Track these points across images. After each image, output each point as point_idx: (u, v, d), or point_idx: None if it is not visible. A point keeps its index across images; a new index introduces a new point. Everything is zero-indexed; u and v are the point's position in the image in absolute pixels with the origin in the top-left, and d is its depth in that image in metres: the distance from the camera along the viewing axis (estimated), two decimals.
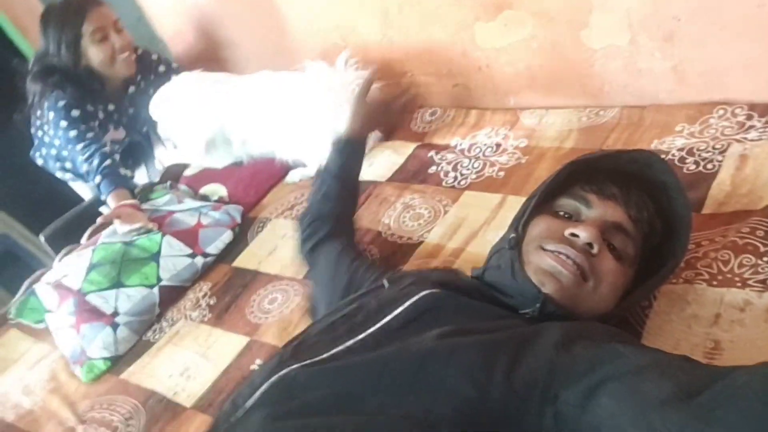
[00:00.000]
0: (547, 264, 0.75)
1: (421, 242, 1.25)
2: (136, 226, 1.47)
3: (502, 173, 1.33)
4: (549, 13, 1.31)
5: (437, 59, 1.59)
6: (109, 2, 1.71)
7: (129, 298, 1.36)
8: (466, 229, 1.22)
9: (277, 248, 1.45)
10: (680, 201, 0.82)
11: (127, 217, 1.49)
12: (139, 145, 2.05)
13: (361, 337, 0.72)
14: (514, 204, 1.22)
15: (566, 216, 0.82)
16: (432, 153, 1.50)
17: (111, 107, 1.74)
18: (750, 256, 0.87)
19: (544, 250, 0.77)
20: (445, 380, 0.61)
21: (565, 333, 0.63)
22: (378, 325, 0.73)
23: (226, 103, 1.61)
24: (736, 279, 0.86)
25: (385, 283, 0.85)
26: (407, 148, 1.57)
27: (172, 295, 1.41)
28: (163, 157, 2.14)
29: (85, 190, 2.00)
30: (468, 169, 1.39)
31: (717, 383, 0.49)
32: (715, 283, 0.87)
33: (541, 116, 1.43)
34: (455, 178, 1.38)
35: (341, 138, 1.20)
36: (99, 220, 1.55)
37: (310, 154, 1.60)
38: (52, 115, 1.61)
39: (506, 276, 0.78)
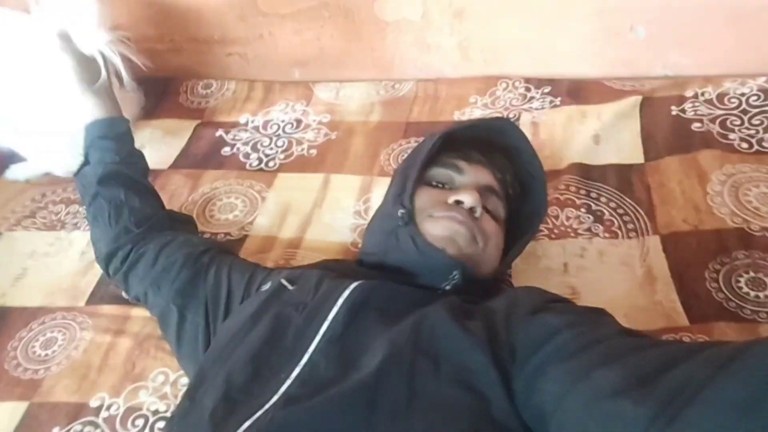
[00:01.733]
0: (443, 227, 0.74)
1: (246, 236, 1.07)
2: None
3: (313, 151, 1.24)
4: None
5: (208, 23, 1.37)
6: None
7: None
8: (295, 215, 1.10)
9: (28, 271, 1.06)
10: (534, 163, 0.89)
11: None
12: None
13: (305, 359, 0.58)
14: (341, 183, 1.16)
15: (441, 185, 0.82)
16: (221, 132, 1.30)
17: None
18: (571, 209, 1.01)
19: (430, 217, 0.76)
20: (442, 394, 0.53)
21: (506, 308, 0.61)
22: (318, 338, 0.60)
23: None
24: (570, 231, 0.98)
25: (286, 284, 0.70)
26: (185, 128, 1.33)
27: None
28: None
29: None
30: (272, 149, 1.25)
31: (669, 374, 0.45)
32: (554, 236, 0.98)
33: (337, 89, 1.38)
34: (260, 159, 1.23)
35: (96, 120, 0.95)
36: None
37: (25, 141, 1.21)
38: None
39: (411, 253, 0.74)
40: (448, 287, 0.74)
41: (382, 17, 1.30)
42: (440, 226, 0.74)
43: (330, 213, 1.09)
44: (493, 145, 0.88)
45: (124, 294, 0.93)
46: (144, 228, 0.89)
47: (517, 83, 1.29)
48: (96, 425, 0.82)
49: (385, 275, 0.75)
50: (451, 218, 0.74)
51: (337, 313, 0.62)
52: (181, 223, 0.97)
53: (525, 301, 0.63)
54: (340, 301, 0.63)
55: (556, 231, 0.99)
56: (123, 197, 0.90)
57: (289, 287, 0.70)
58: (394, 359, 0.55)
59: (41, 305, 1.00)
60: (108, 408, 0.84)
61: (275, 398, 0.54)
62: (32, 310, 0.99)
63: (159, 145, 1.29)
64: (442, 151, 0.85)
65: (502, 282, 0.90)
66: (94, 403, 0.85)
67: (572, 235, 0.98)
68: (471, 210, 0.76)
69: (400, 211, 0.76)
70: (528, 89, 1.27)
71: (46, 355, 0.92)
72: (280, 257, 1.02)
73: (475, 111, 1.26)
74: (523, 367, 0.54)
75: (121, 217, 0.89)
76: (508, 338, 0.57)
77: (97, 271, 1.01)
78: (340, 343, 0.60)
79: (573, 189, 1.04)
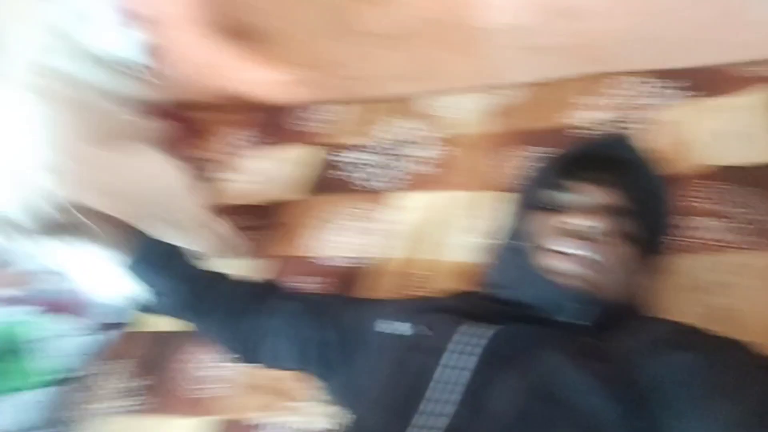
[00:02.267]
0: (556, 266, 0.73)
1: (364, 258, 1.14)
2: None
3: (427, 169, 1.27)
4: None
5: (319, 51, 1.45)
6: None
7: (14, 409, 1.04)
8: (410, 235, 1.15)
9: None
10: (654, 177, 0.85)
11: None
12: None
13: (443, 409, 0.61)
14: (455, 200, 1.18)
15: (557, 208, 0.80)
16: (337, 155, 1.38)
17: None
18: (705, 218, 0.96)
19: (547, 250, 0.75)
20: None
21: (639, 345, 0.62)
22: (454, 389, 0.62)
23: None
24: (704, 243, 0.94)
25: (427, 330, 0.73)
26: (309, 155, 1.42)
27: (73, 390, 1.10)
28: None
29: None
30: (387, 169, 1.30)
31: None
32: (686, 249, 0.94)
33: (446, 103, 1.40)
34: (376, 181, 1.29)
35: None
36: None
37: None
38: None
39: (529, 287, 0.75)
40: (569, 316, 0.72)
41: (482, 26, 1.29)
42: (553, 264, 0.73)
43: (444, 232, 1.13)
44: (611, 161, 0.85)
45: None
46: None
47: (633, 79, 1.23)
48: None
49: (515, 312, 0.75)
50: (564, 255, 0.73)
51: (477, 364, 0.64)
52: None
53: (653, 336, 0.62)
54: (479, 350, 0.65)
55: (688, 243, 0.94)
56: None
57: (428, 333, 0.73)
58: (527, 410, 0.58)
59: None
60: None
61: None
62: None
63: (278, 173, 1.39)
64: (557, 173, 0.84)
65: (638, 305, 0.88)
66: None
67: (707, 247, 0.93)
68: (590, 232, 0.74)
69: (518, 243, 0.77)
70: (644, 83, 1.21)
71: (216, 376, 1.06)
72: (399, 279, 1.08)
73: (587, 113, 1.22)
74: (652, 404, 0.55)
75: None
76: (635, 376, 0.58)
77: None
78: (477, 393, 0.62)
79: (705, 195, 0.99)
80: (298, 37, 1.41)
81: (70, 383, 1.10)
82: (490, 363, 0.64)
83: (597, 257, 0.73)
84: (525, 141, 1.22)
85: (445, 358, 0.67)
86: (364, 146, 1.37)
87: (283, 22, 1.39)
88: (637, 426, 0.55)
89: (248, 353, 0.88)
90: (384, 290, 1.07)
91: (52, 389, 1.08)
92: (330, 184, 1.32)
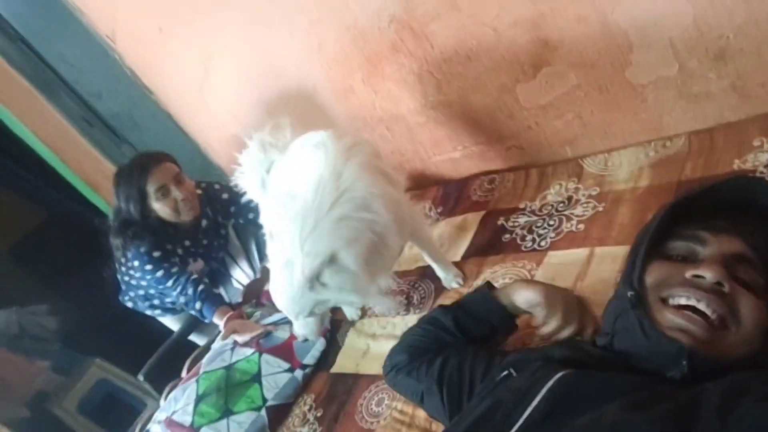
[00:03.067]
0: (673, 323, 0.70)
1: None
2: (257, 332, 1.56)
3: (581, 225, 1.30)
4: (589, 61, 1.32)
5: (487, 126, 1.62)
6: (169, 147, 1.86)
7: (240, 426, 1.37)
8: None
9: (370, 347, 1.44)
10: None
11: (242, 327, 1.62)
12: (217, 270, 2.14)
13: None
14: (603, 255, 1.18)
15: (680, 258, 0.76)
16: (501, 220, 1.49)
17: (187, 243, 1.84)
18: None
19: (667, 304, 0.72)
20: None
21: (724, 394, 0.57)
22: (520, 422, 0.68)
23: None
24: None
25: (512, 371, 0.81)
26: (473, 221, 1.56)
27: (278, 415, 1.41)
28: (240, 277, 2.21)
29: (173, 323, 2.08)
30: (545, 229, 1.36)
31: None
32: None
33: (605, 160, 1.41)
34: (534, 240, 1.36)
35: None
36: (218, 339, 1.63)
37: None
38: (137, 263, 1.72)
39: (639, 338, 0.72)
40: (676, 376, 0.69)
41: (637, 81, 1.30)
42: (671, 319, 0.70)
43: (590, 287, 1.13)
44: (743, 207, 0.79)
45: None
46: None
47: None
48: None
49: (612, 358, 0.76)
50: (684, 314, 0.69)
51: (539, 402, 0.69)
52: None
53: (759, 387, 0.58)
54: (544, 390, 0.70)
55: None
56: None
57: (513, 374, 0.80)
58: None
59: (377, 372, 1.33)
60: None
61: None
62: (372, 376, 1.34)
63: (454, 239, 1.55)
64: (681, 222, 0.80)
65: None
66: None
67: None
68: (717, 285, 0.69)
69: (629, 293, 0.75)
70: None
71: (377, 411, 1.24)
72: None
73: (760, 156, 1.11)
74: None
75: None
76: (718, 425, 0.56)
77: None
78: (537, 429, 0.66)
79: None
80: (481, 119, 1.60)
81: (276, 409, 1.40)
82: (553, 402, 0.68)
83: (723, 312, 0.69)
84: (678, 192, 1.17)
85: (517, 394, 0.73)
86: (535, 210, 1.45)
87: (460, 108, 1.61)
88: None
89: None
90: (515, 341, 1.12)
91: (264, 413, 1.39)
92: (502, 246, 1.41)
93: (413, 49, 1.53)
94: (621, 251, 1.15)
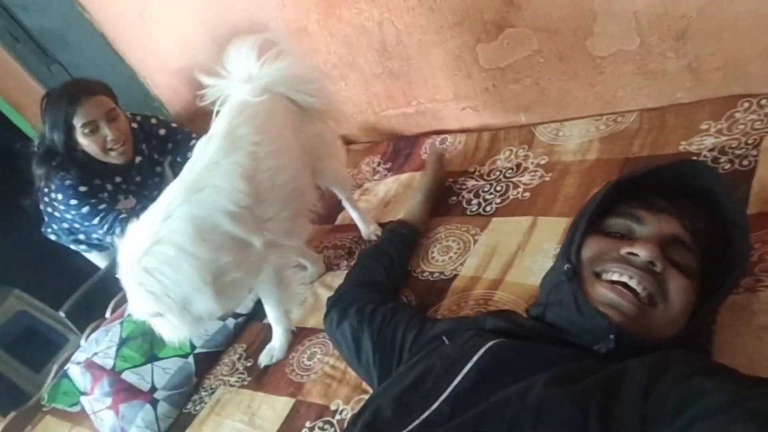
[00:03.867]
0: (605, 297, 0.71)
1: (455, 276, 1.21)
2: None
3: (527, 194, 1.30)
4: (552, 26, 1.29)
5: (442, 84, 1.57)
6: (103, 72, 1.71)
7: (165, 371, 1.32)
8: (500, 257, 1.19)
9: (307, 300, 1.41)
10: (732, 207, 0.78)
11: None
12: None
13: (435, 406, 0.68)
14: (546, 225, 1.19)
15: (618, 235, 0.78)
16: (449, 182, 1.47)
17: (118, 179, 1.72)
18: None
19: (600, 279, 0.73)
20: None
21: (648, 373, 0.58)
22: (450, 389, 0.69)
23: None
24: None
25: (444, 339, 0.81)
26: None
27: (207, 363, 1.37)
28: None
29: (99, 260, 1.97)
30: (491, 194, 1.36)
31: None
32: None
33: (557, 130, 1.40)
34: (479, 204, 1.35)
35: (407, 224, 1.31)
36: None
37: None
38: (60, 196, 1.59)
39: (571, 312, 0.73)
40: (602, 350, 0.71)
41: (596, 53, 1.29)
42: (603, 294, 0.71)
43: (531, 256, 1.14)
44: (686, 190, 0.80)
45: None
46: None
47: (763, 101, 1.10)
48: (332, 425, 1.07)
49: (542, 329, 0.77)
50: (616, 288, 0.71)
51: (468, 370, 0.69)
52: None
53: (680, 366, 0.59)
54: (474, 358, 0.70)
55: None
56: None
57: (446, 342, 0.80)
58: (496, 408, 0.61)
59: (313, 326, 1.32)
60: (341, 413, 1.08)
61: None
62: (307, 329, 1.32)
63: (401, 196, 1.53)
64: (623, 200, 0.81)
65: (694, 343, 0.81)
66: (332, 407, 1.10)
67: None
68: (650, 263, 0.71)
69: (566, 266, 0.77)
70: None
71: (308, 365, 1.22)
72: (480, 297, 1.12)
73: (706, 139, 1.13)
74: (668, 427, 0.53)
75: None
76: (641, 403, 0.57)
77: None
78: (466, 396, 0.67)
79: None
80: (431, 75, 1.55)
81: (205, 357, 1.37)
82: (482, 370, 0.69)
83: (653, 290, 0.70)
84: (625, 169, 1.18)
85: (448, 362, 0.73)
86: (483, 174, 1.43)
87: (418, 62, 1.55)
88: None
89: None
90: (451, 305, 1.13)
91: (192, 360, 1.35)
92: (448, 207, 1.40)
93: None
94: (563, 223, 1.16)
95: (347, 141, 1.83)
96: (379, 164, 1.71)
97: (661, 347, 0.69)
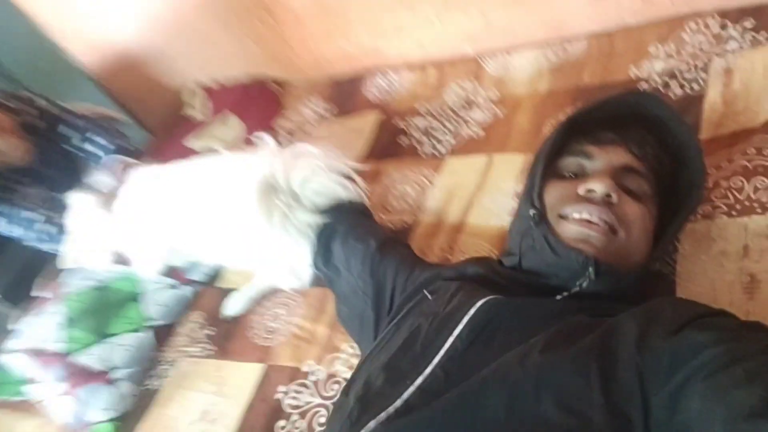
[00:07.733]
0: (574, 232, 0.73)
1: (417, 222, 1.18)
2: None
3: (480, 131, 1.26)
4: None
5: (377, 21, 1.48)
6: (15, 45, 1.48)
7: (125, 349, 1.25)
8: (459, 199, 1.16)
9: None
10: (681, 130, 0.80)
11: None
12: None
13: (428, 371, 0.65)
14: (502, 163, 1.17)
15: (572, 176, 0.79)
16: (398, 121, 1.41)
17: (26, 179, 1.52)
18: (763, 178, 0.86)
19: (565, 218, 0.75)
20: (541, 416, 0.55)
21: (638, 324, 0.58)
22: (443, 352, 0.66)
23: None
24: (755, 205, 0.84)
25: (427, 294, 0.78)
26: (368, 122, 1.47)
27: (166, 334, 1.31)
28: None
29: None
30: (444, 134, 1.31)
31: None
32: (734, 213, 0.85)
33: (505, 61, 1.36)
34: (432, 145, 1.31)
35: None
36: None
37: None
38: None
39: (546, 255, 0.74)
40: (584, 284, 0.71)
41: None
42: (572, 230, 0.73)
43: (490, 196, 1.13)
44: (632, 119, 0.81)
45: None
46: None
47: (709, 20, 1.10)
48: (306, 386, 1.05)
49: (531, 280, 0.77)
50: (583, 221, 0.72)
51: (461, 331, 0.67)
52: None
53: (667, 318, 0.58)
54: (466, 319, 0.68)
55: (738, 207, 0.86)
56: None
57: (429, 297, 0.78)
58: (497, 376, 0.59)
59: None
60: (314, 373, 1.06)
61: (398, 403, 0.61)
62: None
63: (348, 140, 1.46)
64: (572, 138, 0.82)
65: (659, 272, 0.83)
66: (304, 369, 1.08)
67: (759, 210, 0.84)
68: (606, 197, 0.72)
69: (531, 211, 0.76)
70: (724, 26, 1.07)
71: (274, 327, 1.19)
72: (445, 243, 1.11)
73: (655, 63, 1.12)
74: (664, 387, 0.52)
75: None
76: (637, 359, 0.55)
77: None
78: (461, 358, 0.65)
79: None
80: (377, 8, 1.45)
81: (162, 329, 1.31)
82: (475, 330, 0.67)
83: (611, 220, 0.72)
84: (577, 99, 1.16)
85: (436, 322, 0.70)
86: (432, 112, 1.38)
87: None
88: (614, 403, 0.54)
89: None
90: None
91: (150, 333, 1.29)
92: (400, 150, 1.35)
93: None
94: (520, 159, 1.15)
95: (286, 84, 1.72)
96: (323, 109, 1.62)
97: (632, 274, 0.74)
